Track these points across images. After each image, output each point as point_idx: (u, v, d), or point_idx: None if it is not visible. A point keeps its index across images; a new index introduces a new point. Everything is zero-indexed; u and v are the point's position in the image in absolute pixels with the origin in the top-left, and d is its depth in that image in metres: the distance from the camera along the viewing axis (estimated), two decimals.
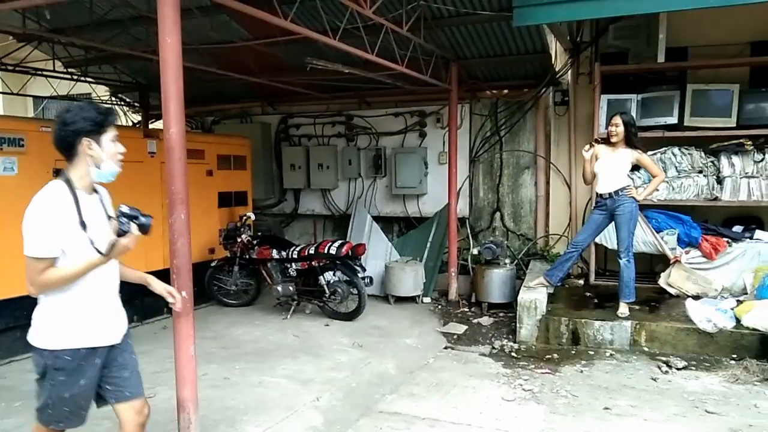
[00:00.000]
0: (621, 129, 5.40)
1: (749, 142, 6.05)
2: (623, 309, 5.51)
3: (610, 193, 5.49)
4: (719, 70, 6.42)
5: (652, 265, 6.51)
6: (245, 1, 3.81)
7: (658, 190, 6.12)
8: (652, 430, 3.83)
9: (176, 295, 2.77)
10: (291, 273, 6.64)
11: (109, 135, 2.41)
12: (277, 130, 9.30)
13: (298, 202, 9.28)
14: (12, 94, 10.67)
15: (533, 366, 5.07)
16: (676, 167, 6.39)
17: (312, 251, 6.42)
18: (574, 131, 7.32)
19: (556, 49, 7.15)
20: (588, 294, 6.36)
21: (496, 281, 6.80)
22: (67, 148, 2.36)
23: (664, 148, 6.39)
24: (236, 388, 4.44)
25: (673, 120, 6.32)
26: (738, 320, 5.15)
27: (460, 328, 6.25)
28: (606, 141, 5.62)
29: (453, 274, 7.37)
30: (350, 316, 6.39)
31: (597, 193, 5.73)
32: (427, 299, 7.44)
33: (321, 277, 6.42)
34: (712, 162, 6.28)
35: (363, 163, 8.60)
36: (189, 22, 5.27)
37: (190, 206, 3.22)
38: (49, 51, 7.91)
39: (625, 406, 4.20)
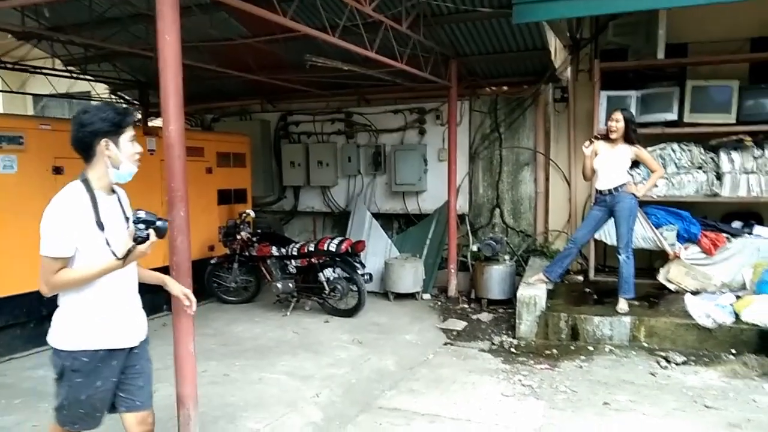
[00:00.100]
0: (621, 125, 5.39)
1: (749, 138, 6.04)
2: (622, 305, 5.52)
3: (609, 190, 5.49)
4: (719, 66, 6.41)
5: (652, 261, 6.50)
6: None
7: (657, 185, 6.13)
8: (651, 425, 3.85)
9: (192, 298, 2.72)
10: (291, 270, 6.66)
11: (127, 135, 2.40)
12: (276, 127, 9.29)
13: (297, 199, 9.29)
14: (11, 92, 10.70)
15: (533, 362, 5.09)
16: (675, 163, 6.38)
17: (312, 248, 6.43)
18: (573, 128, 7.32)
19: (555, 45, 7.13)
20: (587, 290, 6.36)
21: (495, 277, 6.83)
22: (85, 149, 2.35)
23: (663, 144, 6.39)
24: (236, 384, 4.45)
25: (672, 116, 6.32)
26: (737, 315, 5.15)
27: (460, 325, 6.26)
28: (605, 137, 5.61)
29: (453, 270, 7.38)
30: (350, 313, 6.40)
31: (596, 190, 5.73)
32: (426, 296, 7.45)
33: (321, 274, 6.44)
34: (711, 158, 6.28)
35: (362, 160, 8.59)
36: (188, 19, 5.28)
37: (190, 203, 3.23)
38: (49, 49, 7.92)
39: (624, 401, 4.22)
